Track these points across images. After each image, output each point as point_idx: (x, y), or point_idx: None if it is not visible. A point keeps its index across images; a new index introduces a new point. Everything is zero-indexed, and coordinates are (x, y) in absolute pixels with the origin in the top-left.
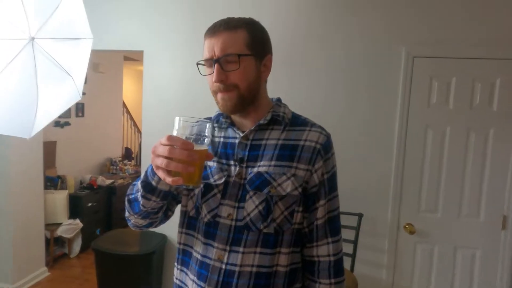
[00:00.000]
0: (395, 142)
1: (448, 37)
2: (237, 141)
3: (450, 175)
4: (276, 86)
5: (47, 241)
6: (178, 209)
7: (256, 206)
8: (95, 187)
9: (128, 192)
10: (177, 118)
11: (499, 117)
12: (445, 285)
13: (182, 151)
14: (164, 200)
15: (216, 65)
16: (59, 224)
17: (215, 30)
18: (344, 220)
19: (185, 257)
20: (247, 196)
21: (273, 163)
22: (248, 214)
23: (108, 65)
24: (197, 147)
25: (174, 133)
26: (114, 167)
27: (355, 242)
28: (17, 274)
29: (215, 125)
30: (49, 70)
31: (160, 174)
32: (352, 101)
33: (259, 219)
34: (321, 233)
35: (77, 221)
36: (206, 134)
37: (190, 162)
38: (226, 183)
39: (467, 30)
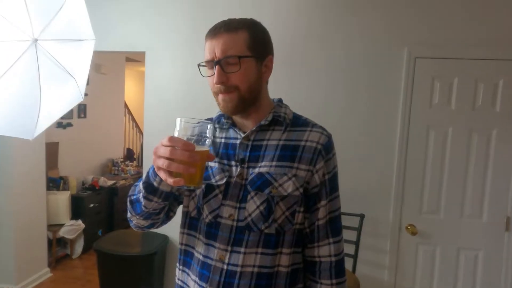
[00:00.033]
0: (396, 142)
1: (450, 37)
2: (238, 141)
3: (452, 176)
4: (276, 86)
5: (50, 242)
6: (179, 209)
7: (258, 207)
8: (97, 188)
9: (130, 193)
10: (178, 119)
11: (502, 118)
12: (448, 286)
13: (183, 152)
14: (165, 200)
15: (217, 67)
16: (62, 225)
17: (216, 31)
18: (345, 220)
19: (186, 258)
20: (249, 197)
21: (274, 163)
22: (250, 215)
23: (110, 66)
24: (198, 148)
25: (176, 134)
26: (116, 168)
27: (356, 243)
28: (20, 275)
29: (216, 125)
30: (52, 71)
31: (162, 175)
32: (353, 102)
33: (260, 220)
34: (323, 233)
35: (79, 222)
36: (207, 135)
37: (191, 163)
38: (227, 183)
39: (470, 30)
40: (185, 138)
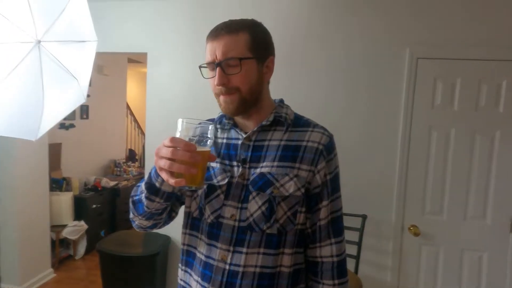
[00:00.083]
0: (398, 143)
1: (453, 38)
2: (239, 142)
3: (455, 177)
4: (277, 86)
5: (53, 243)
6: (181, 210)
7: (259, 207)
8: (99, 188)
9: (133, 193)
10: (180, 120)
11: (505, 119)
12: None
13: (185, 152)
14: (167, 201)
15: (218, 69)
16: (64, 226)
17: (216, 33)
18: (348, 221)
19: (189, 258)
20: (250, 197)
21: (275, 163)
22: (251, 215)
23: (112, 68)
24: (200, 149)
25: (177, 135)
26: (118, 169)
27: (359, 244)
28: (24, 275)
29: (218, 126)
30: (55, 72)
31: (164, 175)
32: (354, 102)
33: (262, 220)
34: (324, 233)
35: (82, 222)
36: (209, 136)
37: (192, 163)
38: (229, 184)
39: (472, 31)
40: (186, 139)
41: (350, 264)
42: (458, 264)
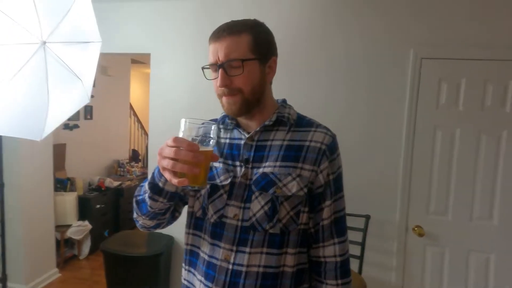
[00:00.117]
0: (402, 142)
1: (457, 38)
2: (242, 142)
3: (460, 177)
4: (279, 86)
5: (58, 243)
6: (185, 210)
7: (262, 207)
8: (103, 189)
9: (136, 193)
10: (183, 120)
11: None
12: None
13: (188, 152)
14: (171, 201)
15: (220, 70)
16: (69, 226)
17: (219, 35)
18: (351, 221)
19: (192, 258)
20: (253, 197)
21: (278, 163)
22: (254, 215)
23: (116, 68)
24: (203, 149)
25: (180, 135)
26: (122, 169)
27: (362, 244)
28: (30, 275)
29: (221, 126)
30: (60, 73)
31: (167, 175)
32: (359, 102)
33: (265, 220)
34: (327, 233)
35: (86, 222)
36: (212, 136)
37: (195, 163)
38: (232, 183)
39: (477, 31)
40: (189, 139)
41: (354, 265)
42: (464, 266)
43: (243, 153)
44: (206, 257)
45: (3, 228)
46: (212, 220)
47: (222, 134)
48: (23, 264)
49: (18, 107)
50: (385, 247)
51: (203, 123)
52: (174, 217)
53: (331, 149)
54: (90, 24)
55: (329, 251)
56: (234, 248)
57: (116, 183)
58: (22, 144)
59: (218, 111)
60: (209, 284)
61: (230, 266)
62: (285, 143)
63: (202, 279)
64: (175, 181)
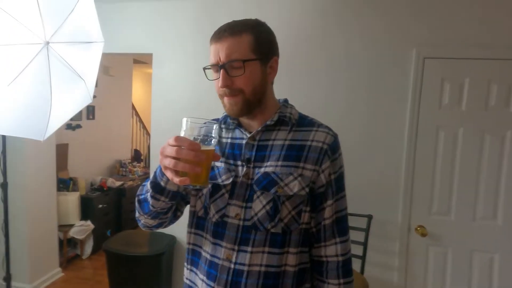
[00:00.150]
0: (405, 142)
1: (460, 37)
2: (244, 141)
3: (464, 177)
4: (282, 87)
5: (61, 242)
6: (187, 210)
7: (264, 206)
8: (105, 188)
9: (138, 192)
10: (184, 119)
11: None
12: None
13: (189, 151)
14: (172, 200)
15: (221, 71)
16: (72, 226)
17: (220, 35)
18: (353, 221)
19: (194, 257)
20: (255, 196)
21: (280, 163)
22: (256, 214)
23: (118, 68)
24: (204, 148)
25: (182, 134)
26: (124, 169)
27: (364, 244)
28: (33, 274)
29: (223, 126)
30: (63, 73)
31: (168, 174)
32: (361, 102)
33: (266, 219)
34: (329, 233)
35: (89, 222)
36: (213, 135)
37: (197, 162)
38: (233, 183)
39: (481, 30)
40: (191, 138)
41: (356, 265)
42: (467, 266)
43: (245, 153)
44: (208, 257)
45: (7, 227)
46: (214, 220)
47: (223, 134)
48: (27, 264)
49: (21, 107)
50: (388, 247)
51: (205, 123)
52: (176, 217)
53: (333, 148)
54: (92, 24)
55: (331, 251)
56: (236, 247)
57: (118, 183)
58: (26, 144)
59: (219, 111)
60: (211, 284)
61: (232, 266)
62: (287, 142)
63: (204, 278)
64: (176, 180)
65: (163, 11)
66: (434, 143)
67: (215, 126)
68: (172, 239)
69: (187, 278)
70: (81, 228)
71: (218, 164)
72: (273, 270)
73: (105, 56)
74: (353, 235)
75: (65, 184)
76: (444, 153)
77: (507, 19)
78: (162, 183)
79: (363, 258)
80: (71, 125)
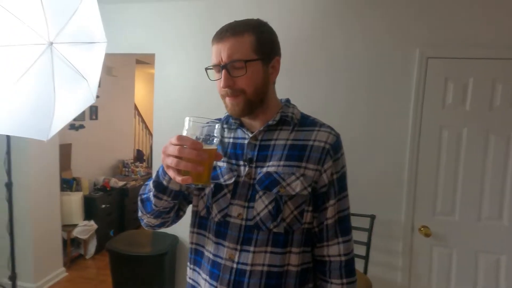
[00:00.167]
0: (408, 142)
1: (464, 37)
2: (246, 141)
3: (468, 177)
4: (283, 88)
5: (64, 242)
6: (189, 209)
7: (266, 206)
8: (108, 189)
9: (141, 191)
10: (187, 119)
11: None
12: None
13: (191, 150)
14: (175, 199)
15: (223, 71)
16: (75, 226)
17: (221, 35)
18: (356, 221)
19: (197, 257)
20: (257, 196)
21: (282, 163)
22: (258, 214)
23: (120, 69)
24: (206, 147)
25: (184, 133)
26: (126, 169)
27: (368, 244)
28: (38, 274)
29: (225, 126)
30: (66, 74)
31: (171, 173)
32: (364, 102)
33: (268, 219)
34: (331, 233)
35: (92, 222)
36: (215, 135)
37: (199, 161)
38: (235, 183)
39: (485, 29)
40: (193, 137)
41: (359, 265)
42: (473, 267)
43: (247, 153)
44: (211, 256)
45: (12, 227)
46: (216, 219)
47: (226, 134)
48: (32, 263)
49: (25, 107)
50: (391, 247)
51: (207, 122)
52: (178, 216)
53: (335, 148)
54: (95, 24)
55: (333, 250)
56: (238, 247)
57: (121, 183)
58: (30, 144)
59: (221, 111)
60: (214, 283)
61: (235, 265)
62: (289, 142)
63: (207, 277)
64: (179, 179)
65: (165, 11)
66: (438, 142)
67: (217, 126)
68: (174, 239)
69: (190, 278)
70: (85, 228)
71: (220, 164)
72: (275, 270)
73: (108, 56)
74: (356, 235)
75: (68, 184)
76: (448, 153)
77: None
78: (165, 182)
79: (366, 258)
80: (74, 125)
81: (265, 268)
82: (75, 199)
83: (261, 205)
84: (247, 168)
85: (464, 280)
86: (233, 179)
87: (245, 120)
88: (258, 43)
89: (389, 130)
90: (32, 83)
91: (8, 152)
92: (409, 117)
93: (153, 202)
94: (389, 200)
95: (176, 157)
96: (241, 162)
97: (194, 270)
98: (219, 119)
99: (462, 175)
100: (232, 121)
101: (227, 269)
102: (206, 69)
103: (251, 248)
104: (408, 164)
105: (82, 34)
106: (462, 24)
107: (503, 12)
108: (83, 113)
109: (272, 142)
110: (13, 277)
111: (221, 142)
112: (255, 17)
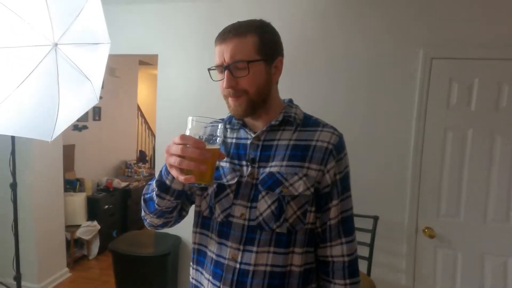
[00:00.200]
0: (412, 143)
1: (469, 37)
2: (249, 141)
3: (473, 179)
4: (283, 88)
5: (68, 243)
6: (192, 209)
7: (269, 206)
8: (111, 189)
9: (144, 191)
10: (190, 118)
11: None
12: None
13: (194, 149)
14: (178, 199)
15: (226, 72)
16: (78, 226)
17: (224, 36)
18: (359, 222)
19: (200, 257)
20: (260, 196)
21: (284, 163)
22: (261, 214)
23: (124, 70)
24: (209, 147)
25: (187, 133)
26: (129, 170)
27: (371, 245)
28: (42, 274)
29: (228, 126)
30: (70, 75)
31: (174, 172)
32: (367, 103)
33: (271, 219)
34: (335, 233)
35: (95, 223)
36: (218, 134)
37: (202, 160)
38: (238, 183)
39: (489, 30)
40: (196, 137)
41: (362, 266)
42: (479, 269)
43: (250, 153)
44: (214, 256)
45: (17, 227)
46: (219, 219)
47: (228, 134)
48: (36, 263)
49: (30, 108)
50: (395, 249)
51: (210, 122)
52: (181, 216)
53: (338, 148)
54: (99, 25)
55: (336, 251)
56: (241, 247)
57: (123, 184)
58: (34, 145)
59: (224, 112)
60: (217, 283)
61: (238, 265)
62: (292, 142)
63: (210, 278)
64: (181, 178)
65: (168, 13)
66: (442, 143)
67: (220, 126)
68: (177, 239)
69: (193, 278)
70: (88, 229)
71: (223, 164)
72: (278, 270)
73: (111, 57)
74: (360, 236)
75: (71, 184)
76: (452, 154)
77: None
78: (168, 182)
79: (369, 259)
80: (78, 126)
81: (268, 268)
82: (79, 200)
83: (264, 205)
84: (249, 168)
85: (469, 282)
86: (235, 179)
87: (248, 120)
88: (261, 43)
89: (392, 131)
90: (36, 84)
91: (13, 153)
92: (413, 117)
93: (156, 201)
94: (392, 201)
95: (179, 156)
96: (244, 162)
97: (197, 270)
98: (222, 119)
99: (467, 176)
100: (235, 121)
101: (230, 269)
102: (209, 69)
103: (254, 248)
104: (411, 164)
105: (87, 35)
106: (466, 24)
107: (503, 12)
108: (86, 114)
109: (275, 142)
110: (18, 278)
111: (224, 142)
112: (255, 18)
